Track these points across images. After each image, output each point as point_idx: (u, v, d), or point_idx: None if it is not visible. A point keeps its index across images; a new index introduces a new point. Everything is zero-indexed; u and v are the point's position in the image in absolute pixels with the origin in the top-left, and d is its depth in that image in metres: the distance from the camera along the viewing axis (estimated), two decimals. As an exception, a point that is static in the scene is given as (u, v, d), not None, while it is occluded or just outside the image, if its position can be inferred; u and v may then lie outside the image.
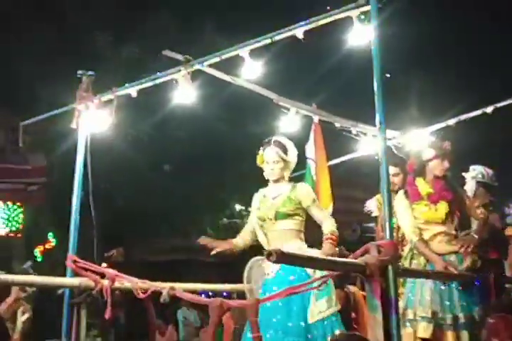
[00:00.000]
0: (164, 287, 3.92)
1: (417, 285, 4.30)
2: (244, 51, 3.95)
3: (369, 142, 5.25)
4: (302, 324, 4.05)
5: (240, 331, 5.59)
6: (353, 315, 5.08)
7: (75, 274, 4.36)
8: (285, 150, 4.50)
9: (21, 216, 14.56)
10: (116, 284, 4.14)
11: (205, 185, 13.42)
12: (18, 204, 14.57)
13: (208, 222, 16.04)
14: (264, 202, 4.55)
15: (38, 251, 15.29)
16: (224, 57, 4.02)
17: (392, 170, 4.85)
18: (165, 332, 9.93)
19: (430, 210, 4.49)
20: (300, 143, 4.92)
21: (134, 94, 4.26)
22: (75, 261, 4.30)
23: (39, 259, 14.97)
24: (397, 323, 3.13)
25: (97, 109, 4.37)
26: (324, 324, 4.05)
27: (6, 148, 14.84)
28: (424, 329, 4.10)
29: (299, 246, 4.29)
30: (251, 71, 4.03)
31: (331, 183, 5.58)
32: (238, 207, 16.49)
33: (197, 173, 12.94)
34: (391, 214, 3.31)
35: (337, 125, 5.01)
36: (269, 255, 2.79)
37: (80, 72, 4.40)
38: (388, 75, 3.59)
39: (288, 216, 4.37)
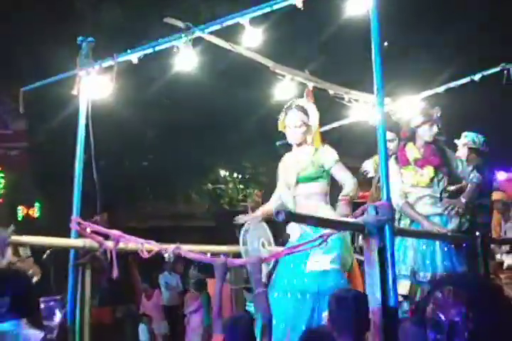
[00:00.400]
0: (169, 247, 4.09)
1: (402, 246, 4.54)
2: (244, 19, 4.03)
3: (361, 108, 5.39)
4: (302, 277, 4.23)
5: (236, 291, 5.83)
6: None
7: (80, 236, 4.47)
8: (307, 114, 4.60)
9: (2, 181, 14.48)
10: (121, 245, 4.27)
11: (190, 150, 13.45)
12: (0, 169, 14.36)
13: (193, 188, 16.07)
14: (289, 166, 4.70)
15: (21, 215, 15.26)
16: (224, 24, 4.10)
17: (389, 135, 5.03)
18: (151, 295, 10.13)
19: (416, 174, 4.72)
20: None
21: (135, 61, 4.33)
22: (79, 223, 4.41)
23: (19, 218, 14.95)
24: (394, 278, 3.32)
25: (97, 75, 4.44)
26: (321, 276, 4.23)
27: (-14, 114, 14.44)
28: (403, 286, 4.34)
29: (322, 211, 4.36)
30: (251, 39, 4.12)
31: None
32: (223, 172, 16.53)
33: (184, 139, 12.96)
34: (388, 177, 3.48)
35: (330, 92, 5.14)
36: (277, 214, 2.97)
37: (80, 38, 4.45)
38: (386, 44, 3.72)
39: (311, 179, 4.50)
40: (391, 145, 5.13)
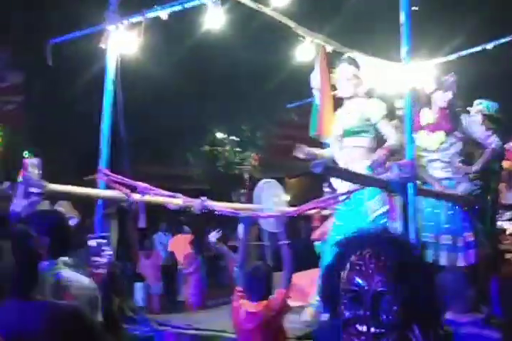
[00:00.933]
0: (194, 200, 4.26)
1: None
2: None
3: (374, 73, 5.51)
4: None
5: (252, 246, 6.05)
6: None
7: (107, 187, 4.58)
8: (358, 67, 4.65)
9: None
10: (148, 197, 4.42)
11: (187, 111, 13.43)
12: (-5, 123, 14.01)
13: (190, 149, 16.10)
14: (339, 119, 4.76)
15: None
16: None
17: (400, 103, 5.16)
18: (150, 255, 10.24)
19: (427, 139, 4.85)
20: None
21: (164, 17, 4.40)
22: (106, 175, 4.53)
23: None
24: (416, 231, 3.51)
25: (126, 30, 4.51)
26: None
27: (-18, 66, 14.21)
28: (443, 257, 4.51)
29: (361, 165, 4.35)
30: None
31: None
32: (220, 134, 16.55)
33: (180, 100, 12.92)
34: (411, 139, 3.64)
35: (347, 55, 5.24)
36: (315, 165, 3.14)
37: (107, -7, 4.51)
38: (416, 8, 3.83)
39: (355, 133, 4.55)
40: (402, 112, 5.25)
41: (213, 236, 5.75)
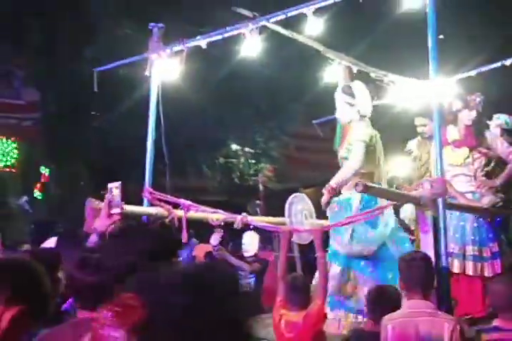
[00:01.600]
0: (236, 216, 4.56)
1: None
2: (308, 9, 4.42)
3: (396, 90, 5.83)
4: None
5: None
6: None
7: (151, 204, 4.90)
8: (353, 95, 4.88)
9: (16, 151, 14.70)
10: (191, 213, 4.72)
11: (203, 124, 13.70)
12: (13, 139, 14.68)
13: (205, 162, 16.32)
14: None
15: (36, 190, 15.42)
16: (289, 14, 4.50)
17: (421, 120, 5.45)
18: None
19: (453, 154, 5.16)
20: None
21: (204, 46, 4.72)
22: (150, 193, 4.85)
23: (39, 197, 15.15)
24: (445, 244, 3.79)
25: (168, 58, 4.83)
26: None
27: (-1, 83, 14.69)
28: (455, 265, 4.78)
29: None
30: (313, 27, 4.52)
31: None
32: (235, 146, 16.76)
33: (197, 113, 13.19)
34: (441, 155, 3.93)
35: (372, 74, 5.55)
36: (356, 185, 3.45)
37: (151, 24, 4.84)
38: (442, 36, 4.13)
39: (345, 159, 4.84)
40: (425, 129, 5.51)
41: (215, 240, 5.92)
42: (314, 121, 6.85)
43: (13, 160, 14.67)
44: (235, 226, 4.55)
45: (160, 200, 4.83)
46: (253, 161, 16.93)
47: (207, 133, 13.26)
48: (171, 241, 2.16)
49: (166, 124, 5.10)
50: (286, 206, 5.49)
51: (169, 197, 4.83)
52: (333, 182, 4.62)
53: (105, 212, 3.10)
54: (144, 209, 4.84)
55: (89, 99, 13.05)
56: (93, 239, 3.01)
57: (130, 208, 4.68)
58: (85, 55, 12.52)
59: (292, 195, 5.75)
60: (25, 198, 14.75)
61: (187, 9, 8.21)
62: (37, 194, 15.42)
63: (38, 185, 15.51)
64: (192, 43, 4.77)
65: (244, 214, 4.61)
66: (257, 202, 14.75)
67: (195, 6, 8.51)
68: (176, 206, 4.82)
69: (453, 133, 5.20)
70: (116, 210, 3.10)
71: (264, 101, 13.33)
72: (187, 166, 15.42)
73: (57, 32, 13.61)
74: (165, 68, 4.81)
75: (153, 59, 4.82)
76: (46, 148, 14.82)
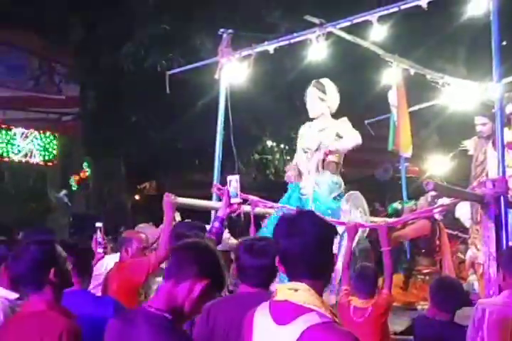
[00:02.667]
0: (274, 205, 4.82)
1: None
2: (373, 16, 4.68)
3: (451, 92, 6.04)
4: None
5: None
6: (437, 242, 5.91)
7: (219, 199, 5.19)
8: (324, 91, 5.26)
9: (56, 145, 15.09)
10: (258, 209, 4.99)
11: (238, 120, 13.89)
12: (53, 133, 15.03)
13: (240, 157, 16.50)
14: (309, 132, 5.38)
15: (73, 180, 15.77)
16: (355, 21, 4.76)
17: (482, 119, 5.64)
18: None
19: (507, 156, 5.33)
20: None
21: (271, 51, 5.00)
22: (219, 189, 5.14)
23: (74, 188, 15.46)
24: (507, 240, 4.02)
25: (237, 62, 5.12)
26: None
27: (41, 78, 15.18)
28: None
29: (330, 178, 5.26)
30: (378, 34, 4.77)
31: (411, 129, 6.32)
32: (270, 143, 16.91)
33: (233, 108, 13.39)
34: (504, 154, 4.15)
35: (428, 76, 5.78)
36: (427, 184, 3.70)
37: (221, 30, 5.12)
38: (505, 43, 4.34)
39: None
40: (484, 129, 5.70)
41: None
42: (366, 121, 7.08)
43: (52, 155, 15.04)
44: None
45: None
46: (288, 158, 17.11)
47: (244, 129, 13.47)
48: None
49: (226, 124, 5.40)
50: (343, 203, 5.76)
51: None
52: None
53: (226, 201, 3.64)
54: (213, 203, 5.13)
55: (129, 95, 13.44)
56: (216, 225, 3.55)
57: (200, 203, 5.00)
58: (125, 51, 12.82)
59: (348, 193, 6.02)
60: (64, 192, 15.17)
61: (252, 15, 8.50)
62: (74, 187, 15.75)
63: (76, 178, 15.81)
64: (260, 48, 5.05)
65: (298, 205, 4.87)
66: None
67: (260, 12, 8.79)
68: (244, 201, 5.08)
69: (507, 135, 5.37)
70: (235, 200, 3.63)
71: (299, 97, 13.51)
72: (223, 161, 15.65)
73: (99, 29, 13.96)
74: (234, 71, 5.08)
75: (223, 63, 5.10)
76: (85, 142, 15.20)
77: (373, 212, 6.49)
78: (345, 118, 5.33)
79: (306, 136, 5.44)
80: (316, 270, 1.95)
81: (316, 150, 5.29)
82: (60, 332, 2.33)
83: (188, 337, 2.22)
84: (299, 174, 5.50)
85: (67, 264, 2.60)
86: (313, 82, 5.35)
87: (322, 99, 5.25)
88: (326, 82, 5.31)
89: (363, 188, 6.22)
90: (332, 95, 5.29)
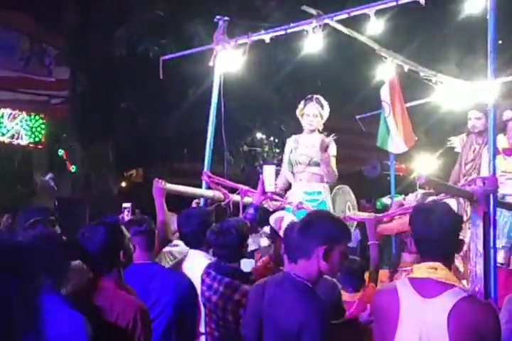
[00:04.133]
0: (292, 202, 4.84)
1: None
2: (370, 10, 4.66)
3: (444, 90, 6.05)
4: None
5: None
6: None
7: (209, 187, 5.18)
8: (322, 107, 5.40)
9: (44, 128, 14.87)
10: (247, 198, 4.99)
11: (229, 110, 13.83)
12: (41, 115, 14.80)
13: (229, 148, 16.40)
14: (297, 147, 5.51)
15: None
16: (352, 14, 4.74)
17: (476, 113, 5.62)
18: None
19: (504, 162, 5.38)
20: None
21: (267, 40, 4.97)
22: (209, 177, 5.13)
23: (73, 170, 15.31)
24: (494, 237, 4.04)
25: (232, 50, 5.08)
26: None
27: (31, 60, 14.88)
28: (501, 256, 5.04)
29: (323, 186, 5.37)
30: (374, 27, 4.76)
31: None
32: (259, 135, 16.89)
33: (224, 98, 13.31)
34: (495, 154, 4.16)
35: (421, 74, 5.78)
36: (419, 178, 3.72)
37: (217, 17, 5.08)
38: (500, 42, 4.34)
39: (317, 164, 5.34)
40: (478, 123, 5.69)
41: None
42: (357, 116, 7.08)
43: (40, 137, 14.83)
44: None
45: (218, 184, 5.10)
46: (277, 150, 17.08)
47: (234, 120, 13.42)
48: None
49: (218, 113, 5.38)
50: (331, 197, 5.78)
51: (227, 182, 5.10)
52: None
53: (260, 189, 3.83)
54: (202, 191, 5.13)
55: (119, 79, 13.32)
56: (250, 211, 3.75)
57: (189, 190, 4.99)
58: (117, 36, 12.71)
59: (337, 187, 6.05)
60: (50, 175, 15.03)
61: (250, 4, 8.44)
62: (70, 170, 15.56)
63: (69, 162, 15.64)
64: (256, 37, 5.01)
65: (300, 200, 4.89)
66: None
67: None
68: (233, 191, 5.09)
69: (503, 142, 5.41)
70: (270, 188, 3.80)
71: (292, 91, 13.50)
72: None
73: (93, 12, 13.82)
74: (229, 59, 5.05)
75: (218, 50, 5.07)
76: (73, 126, 15.06)
77: (360, 208, 6.52)
78: (331, 139, 5.40)
79: (296, 150, 5.55)
80: (449, 252, 2.43)
81: (308, 164, 5.43)
82: (134, 311, 2.53)
83: (323, 302, 2.60)
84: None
85: (130, 244, 2.81)
86: (313, 97, 5.44)
87: (321, 114, 5.40)
88: (321, 98, 5.48)
89: (350, 184, 6.25)
90: (327, 112, 5.47)
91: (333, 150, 5.37)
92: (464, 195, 4.16)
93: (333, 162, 5.37)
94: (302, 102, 5.49)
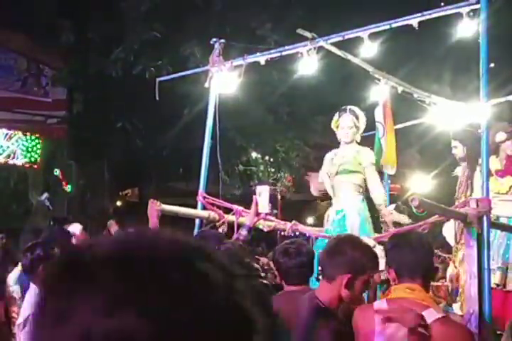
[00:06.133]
0: (286, 223, 4.84)
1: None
2: (364, 33, 4.73)
3: (437, 111, 6.10)
4: None
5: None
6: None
7: (204, 208, 5.19)
8: (357, 118, 5.43)
9: (40, 148, 14.80)
10: (242, 218, 4.99)
11: (224, 130, 13.87)
12: (37, 136, 14.76)
13: (224, 168, 16.42)
14: (334, 159, 5.54)
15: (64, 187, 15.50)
16: (346, 37, 4.80)
17: (452, 143, 5.66)
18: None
19: (497, 183, 5.41)
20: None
21: (263, 62, 5.03)
22: (204, 197, 5.14)
23: (69, 190, 15.27)
24: (488, 259, 4.05)
25: (227, 72, 5.13)
26: None
27: (28, 80, 15.00)
28: (497, 277, 5.04)
29: (354, 197, 5.32)
30: (368, 50, 4.82)
31: (397, 146, 6.34)
32: (254, 154, 16.93)
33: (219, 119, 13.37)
34: (488, 176, 4.19)
35: (415, 95, 5.84)
36: (412, 200, 3.73)
37: (213, 39, 5.14)
38: (492, 65, 4.40)
39: (350, 172, 5.35)
40: (455, 151, 5.67)
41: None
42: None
43: (36, 157, 14.76)
44: (286, 233, 4.83)
45: (213, 205, 5.11)
46: (272, 170, 17.08)
47: (229, 140, 13.48)
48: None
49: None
50: (326, 216, 5.78)
51: (223, 202, 5.11)
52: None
53: (254, 210, 3.83)
54: (197, 212, 5.14)
55: (116, 101, 13.39)
56: (243, 232, 3.72)
57: (184, 210, 5.00)
58: (114, 57, 12.81)
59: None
60: (46, 195, 14.99)
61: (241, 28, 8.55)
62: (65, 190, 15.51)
63: (65, 182, 15.58)
64: (251, 59, 5.07)
65: (294, 221, 4.89)
66: (275, 211, 14.92)
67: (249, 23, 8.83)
68: (228, 211, 5.10)
69: (495, 163, 5.44)
70: (264, 210, 3.79)
71: (286, 111, 13.60)
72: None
73: (88, 33, 13.94)
74: (224, 81, 5.10)
75: (214, 72, 5.12)
76: (70, 146, 15.06)
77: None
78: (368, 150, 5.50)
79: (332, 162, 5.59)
80: (427, 274, 2.54)
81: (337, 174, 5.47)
82: None
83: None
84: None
85: None
86: (347, 108, 5.46)
87: (356, 125, 5.42)
88: (356, 109, 5.50)
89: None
90: (363, 122, 5.50)
91: (369, 159, 5.44)
92: (457, 216, 4.18)
93: (371, 169, 5.42)
94: (336, 114, 5.51)
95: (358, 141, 5.56)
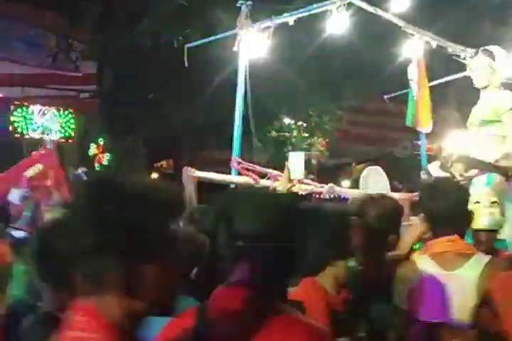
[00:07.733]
0: (323, 185, 4.80)
1: None
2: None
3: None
4: None
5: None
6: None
7: (238, 174, 5.18)
8: (493, 58, 4.67)
9: (73, 122, 14.88)
10: (277, 183, 4.96)
11: (256, 96, 13.78)
12: (71, 111, 14.81)
13: (257, 135, 16.36)
14: (475, 107, 4.81)
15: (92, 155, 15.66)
16: (376, -9, 4.65)
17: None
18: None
19: None
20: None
21: (291, 23, 4.91)
22: (239, 163, 5.12)
23: (105, 164, 15.44)
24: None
25: (256, 34, 5.04)
26: None
27: (58, 55, 15.08)
28: None
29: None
30: (399, 5, 4.66)
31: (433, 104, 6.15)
32: (287, 120, 16.82)
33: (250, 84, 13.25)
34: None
35: (449, 50, 5.65)
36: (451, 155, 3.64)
37: (240, 1, 5.03)
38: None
39: (488, 122, 4.61)
40: None
41: None
42: (386, 96, 6.97)
43: (70, 132, 14.90)
44: (323, 196, 4.79)
45: (248, 170, 5.08)
46: (306, 135, 16.95)
47: (261, 106, 13.35)
48: None
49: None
50: (361, 178, 5.71)
51: (257, 167, 5.07)
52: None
53: (286, 176, 3.82)
54: (231, 177, 5.12)
55: (146, 72, 13.39)
56: None
57: (218, 176, 4.99)
58: (141, 28, 12.74)
59: (368, 168, 5.97)
60: (83, 169, 15.17)
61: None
62: (97, 166, 15.69)
63: (99, 157, 15.73)
64: (279, 20, 4.96)
65: (330, 184, 4.85)
66: (311, 176, 14.92)
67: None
68: (263, 176, 5.07)
69: None
70: (297, 176, 3.82)
71: (317, 73, 13.37)
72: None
73: (115, 5, 13.90)
74: (253, 44, 5.00)
75: (242, 35, 5.02)
76: (103, 120, 15.18)
77: (392, 189, 6.43)
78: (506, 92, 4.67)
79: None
80: (460, 226, 2.45)
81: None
82: None
83: None
84: None
85: None
86: (481, 49, 4.81)
87: (491, 67, 4.68)
88: (495, 48, 4.80)
89: (381, 166, 6.16)
90: (502, 63, 4.70)
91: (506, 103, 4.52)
92: (498, 170, 4.08)
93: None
94: (469, 59, 5.01)
95: (496, 85, 4.66)
